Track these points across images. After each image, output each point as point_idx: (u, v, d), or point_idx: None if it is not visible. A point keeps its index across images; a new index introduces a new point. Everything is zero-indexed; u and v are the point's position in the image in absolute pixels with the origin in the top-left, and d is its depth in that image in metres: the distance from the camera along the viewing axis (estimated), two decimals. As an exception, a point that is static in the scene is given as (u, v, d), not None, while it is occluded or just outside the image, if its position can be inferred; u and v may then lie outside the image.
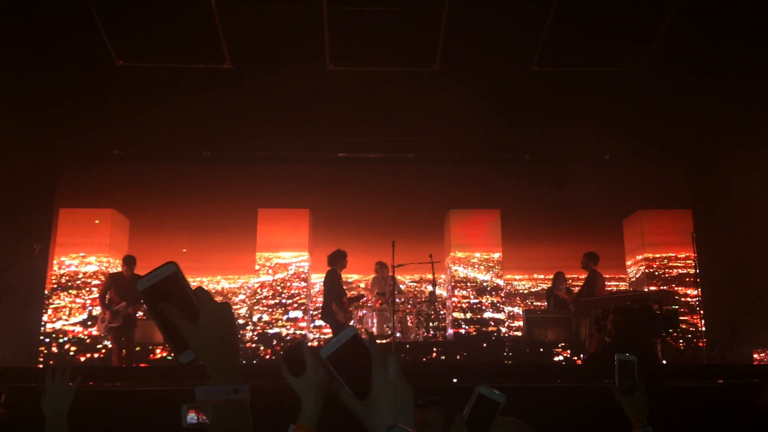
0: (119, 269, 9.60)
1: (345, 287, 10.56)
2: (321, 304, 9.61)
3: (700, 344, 10.35)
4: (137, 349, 9.68)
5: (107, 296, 9.03)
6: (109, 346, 9.68)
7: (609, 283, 12.26)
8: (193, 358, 1.19)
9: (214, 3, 8.60)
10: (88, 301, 11.01)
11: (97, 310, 10.66)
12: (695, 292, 10.85)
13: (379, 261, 10.26)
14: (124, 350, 9.02)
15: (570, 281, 10.84)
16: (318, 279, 11.74)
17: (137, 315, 9.27)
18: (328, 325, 9.66)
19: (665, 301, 8.49)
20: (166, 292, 1.19)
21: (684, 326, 11.30)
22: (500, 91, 9.99)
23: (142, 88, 9.79)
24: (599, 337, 7.43)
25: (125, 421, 4.54)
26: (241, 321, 11.60)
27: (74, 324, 10.90)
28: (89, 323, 10.86)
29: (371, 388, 1.11)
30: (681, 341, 11.19)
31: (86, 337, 10.82)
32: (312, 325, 11.78)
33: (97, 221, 11.31)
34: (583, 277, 10.46)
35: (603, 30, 9.02)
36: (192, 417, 2.39)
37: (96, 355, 10.65)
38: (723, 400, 5.48)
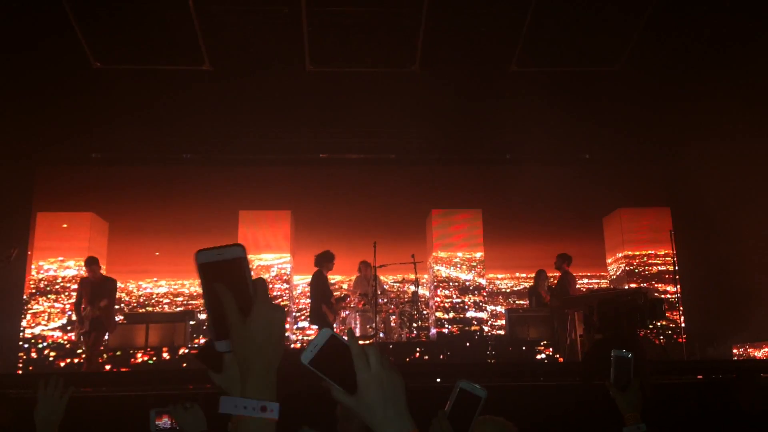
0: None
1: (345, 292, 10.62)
2: (304, 306, 9.57)
3: (680, 340, 10.45)
4: (118, 353, 9.60)
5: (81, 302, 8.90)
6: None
7: (590, 281, 12.38)
8: (229, 350, 1.12)
9: (192, 4, 8.55)
10: (67, 306, 10.88)
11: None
12: (675, 289, 10.95)
13: (363, 260, 10.22)
14: (88, 355, 8.85)
15: (552, 279, 10.90)
16: (300, 281, 11.71)
17: (115, 319, 9.18)
18: (316, 327, 9.59)
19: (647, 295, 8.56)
20: (225, 274, 1.11)
21: (663, 323, 11.41)
22: (480, 91, 10.05)
23: (120, 91, 9.68)
24: (590, 335, 7.49)
25: (104, 427, 4.50)
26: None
27: (53, 329, 10.77)
28: (68, 328, 10.74)
29: (357, 383, 1.11)
30: (661, 337, 11.30)
31: (66, 342, 10.69)
32: (295, 326, 11.74)
33: (64, 225, 11.14)
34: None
35: (580, 31, 9.11)
36: (165, 422, 2.38)
37: (76, 360, 10.52)
38: (703, 396, 5.55)
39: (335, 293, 10.24)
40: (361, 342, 1.17)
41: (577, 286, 10.59)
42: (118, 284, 9.65)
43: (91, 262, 9.03)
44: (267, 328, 1.11)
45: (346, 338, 1.16)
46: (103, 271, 11.44)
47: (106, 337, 9.36)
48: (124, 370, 9.42)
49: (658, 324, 8.89)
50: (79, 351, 10.10)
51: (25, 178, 11.25)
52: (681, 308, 10.80)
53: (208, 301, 1.12)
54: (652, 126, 11.08)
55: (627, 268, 11.68)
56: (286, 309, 11.33)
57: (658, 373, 6.27)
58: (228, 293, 1.10)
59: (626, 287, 11.00)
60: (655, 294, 11.19)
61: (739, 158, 9.60)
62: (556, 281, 10.42)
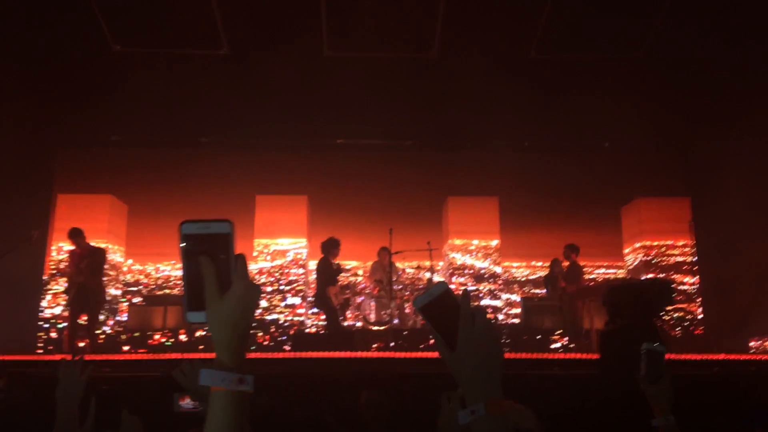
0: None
1: (344, 273, 10.57)
2: (297, 289, 9.62)
3: (697, 332, 10.39)
4: (136, 334, 9.73)
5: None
6: (136, 334, 9.67)
7: (607, 271, 12.29)
8: (201, 321, 1.12)
9: (211, -12, 8.55)
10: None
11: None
12: (693, 280, 10.86)
13: (383, 246, 10.11)
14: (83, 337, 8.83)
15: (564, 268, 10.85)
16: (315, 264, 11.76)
17: (104, 290, 9.21)
18: (322, 312, 9.65)
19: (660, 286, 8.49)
20: (209, 247, 1.13)
21: (681, 314, 11.33)
22: (498, 77, 9.94)
23: (140, 74, 9.74)
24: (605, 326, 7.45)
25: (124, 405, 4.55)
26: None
27: (73, 310, 10.90)
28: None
29: (458, 339, 1.16)
30: (678, 329, 11.23)
31: (85, 323, 10.83)
32: (310, 311, 11.80)
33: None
34: (582, 264, 10.46)
35: (602, 17, 8.98)
36: (187, 403, 2.41)
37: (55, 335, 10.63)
38: (721, 388, 5.52)
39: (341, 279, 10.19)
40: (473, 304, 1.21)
41: (587, 276, 10.53)
42: (138, 266, 9.73)
43: (75, 234, 8.86)
44: (244, 304, 1.12)
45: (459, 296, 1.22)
46: (120, 255, 11.59)
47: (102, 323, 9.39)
48: (141, 351, 9.54)
49: (670, 310, 8.82)
50: (61, 325, 10.17)
51: (45, 160, 11.36)
52: (699, 300, 10.71)
53: (187, 272, 1.13)
54: (673, 115, 10.93)
55: (644, 258, 11.59)
56: (302, 294, 11.39)
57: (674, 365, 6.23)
58: (210, 267, 1.11)
59: (643, 278, 10.92)
60: (672, 284, 11.10)
61: (762, 149, 9.45)
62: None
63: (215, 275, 1.11)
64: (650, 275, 11.19)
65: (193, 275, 1.12)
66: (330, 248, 9.32)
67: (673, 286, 8.22)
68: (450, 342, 1.16)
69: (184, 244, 1.14)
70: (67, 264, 8.88)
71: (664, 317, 7.98)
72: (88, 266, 8.73)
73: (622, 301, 5.77)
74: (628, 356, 2.72)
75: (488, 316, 1.20)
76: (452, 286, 11.20)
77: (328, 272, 9.23)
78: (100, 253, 9.15)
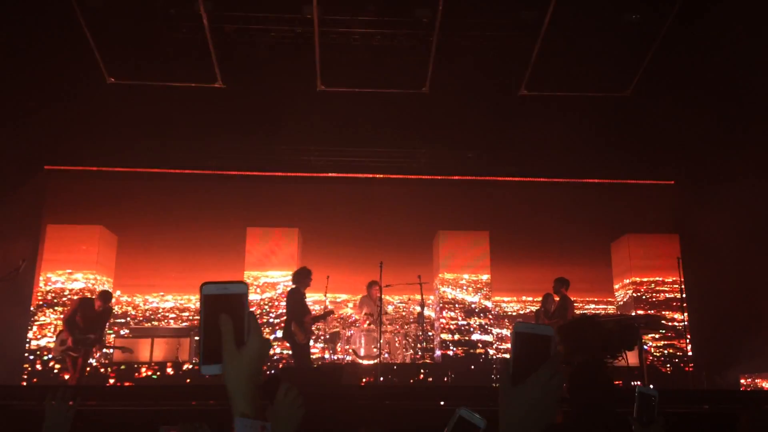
0: (90, 296, 9.43)
1: (332, 305, 10.51)
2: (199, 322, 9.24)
3: (687, 369, 10.37)
4: (122, 367, 9.62)
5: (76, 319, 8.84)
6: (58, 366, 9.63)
7: (597, 306, 12.31)
8: (216, 373, 1.22)
9: (207, 23, 8.67)
10: (54, 319, 10.89)
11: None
12: (682, 317, 10.87)
13: (372, 280, 10.12)
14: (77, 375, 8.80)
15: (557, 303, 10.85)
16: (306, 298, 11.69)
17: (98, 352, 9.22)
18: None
19: (650, 324, 8.51)
20: (226, 306, 1.22)
21: (671, 351, 11.33)
22: (489, 114, 10.09)
23: (132, 106, 9.82)
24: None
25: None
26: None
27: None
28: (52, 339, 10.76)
29: (527, 380, 1.19)
30: (668, 365, 11.21)
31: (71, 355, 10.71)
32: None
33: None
34: (572, 299, 10.47)
35: (590, 56, 9.16)
36: None
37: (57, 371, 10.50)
38: (711, 424, 5.49)
39: (317, 309, 10.12)
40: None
41: (576, 311, 10.52)
42: (126, 297, 9.68)
43: (107, 299, 8.98)
44: (258, 357, 1.24)
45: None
46: (109, 286, 11.52)
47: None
48: (127, 384, 9.43)
49: (628, 353, 8.77)
50: (58, 366, 10.11)
51: (35, 190, 11.35)
52: (688, 336, 10.72)
53: (205, 328, 1.23)
54: (661, 152, 11.08)
55: (634, 294, 11.62)
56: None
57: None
58: (230, 324, 1.21)
59: (633, 314, 10.94)
60: (662, 321, 11.11)
61: (749, 189, 9.57)
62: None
63: (233, 332, 1.21)
64: (641, 311, 11.21)
65: (210, 331, 1.22)
66: (301, 278, 8.95)
67: (637, 331, 8.24)
68: (516, 377, 1.20)
69: (204, 303, 1.23)
70: (77, 318, 8.81)
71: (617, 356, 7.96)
72: (103, 326, 8.95)
73: (581, 338, 5.75)
74: (582, 394, 2.74)
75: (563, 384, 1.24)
76: (442, 320, 11.20)
77: (297, 304, 8.79)
78: (110, 312, 9.29)
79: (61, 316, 10.86)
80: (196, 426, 2.26)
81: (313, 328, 9.22)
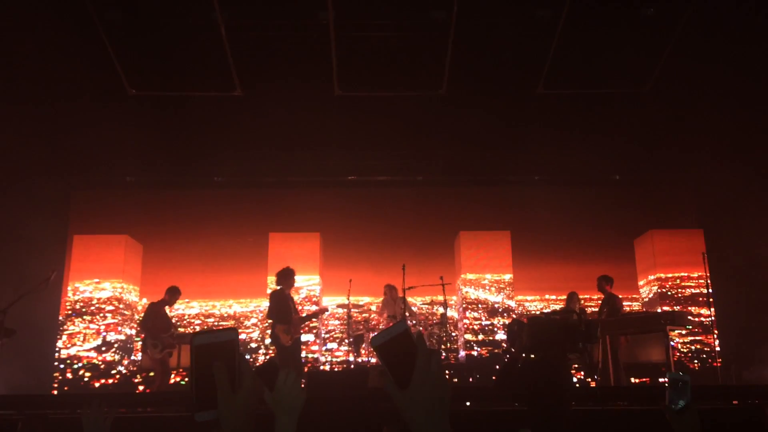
0: (136, 297, 9.75)
1: (354, 309, 10.51)
2: (333, 327, 9.39)
3: (715, 364, 10.25)
4: (151, 374, 9.78)
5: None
6: (151, 374, 10.04)
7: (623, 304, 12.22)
8: (210, 419, 1.26)
9: (224, 32, 8.77)
10: (102, 327, 11.09)
11: (111, 336, 10.80)
12: (709, 312, 10.75)
13: (388, 284, 10.25)
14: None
15: (583, 301, 10.79)
16: (329, 302, 11.77)
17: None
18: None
19: (676, 321, 8.43)
20: (217, 353, 1.27)
21: (698, 346, 11.21)
22: (507, 113, 10.08)
23: (154, 116, 9.97)
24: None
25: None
26: (253, 345, 11.64)
27: (88, 350, 10.98)
28: (103, 348, 10.94)
29: (412, 379, 1.18)
30: (696, 361, 11.10)
31: (101, 363, 10.89)
32: (324, 348, 11.78)
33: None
34: (596, 297, 10.42)
35: (608, 52, 9.10)
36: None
37: (110, 381, 10.70)
38: (739, 419, 5.44)
39: (308, 309, 10.07)
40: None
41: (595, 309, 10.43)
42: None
43: (172, 293, 9.55)
44: (252, 396, 1.30)
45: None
46: (135, 294, 11.71)
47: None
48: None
49: (589, 347, 8.68)
50: (89, 374, 10.42)
51: (61, 201, 11.55)
52: (716, 331, 10.60)
53: (197, 376, 1.26)
54: (683, 147, 10.97)
55: (659, 290, 11.51)
56: (315, 331, 11.39)
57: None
58: (223, 371, 1.25)
59: (658, 310, 10.84)
60: (688, 317, 10.99)
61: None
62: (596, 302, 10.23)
63: (227, 378, 1.26)
64: (666, 308, 11.11)
65: (203, 379, 1.26)
66: (284, 279, 8.75)
67: (598, 326, 8.17)
68: (401, 381, 1.19)
69: (195, 353, 1.27)
70: (162, 318, 9.48)
71: (579, 350, 7.93)
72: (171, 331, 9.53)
73: (542, 332, 5.74)
74: (542, 387, 2.73)
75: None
76: (466, 321, 11.20)
77: (279, 305, 8.54)
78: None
79: (90, 324, 11.09)
80: None
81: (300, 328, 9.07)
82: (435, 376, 1.19)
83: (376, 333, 1.25)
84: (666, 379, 2.31)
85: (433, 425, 1.18)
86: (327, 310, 10.18)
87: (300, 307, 10.48)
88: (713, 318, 10.24)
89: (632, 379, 10.36)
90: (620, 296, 9.97)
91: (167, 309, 9.59)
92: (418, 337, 1.22)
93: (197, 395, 1.26)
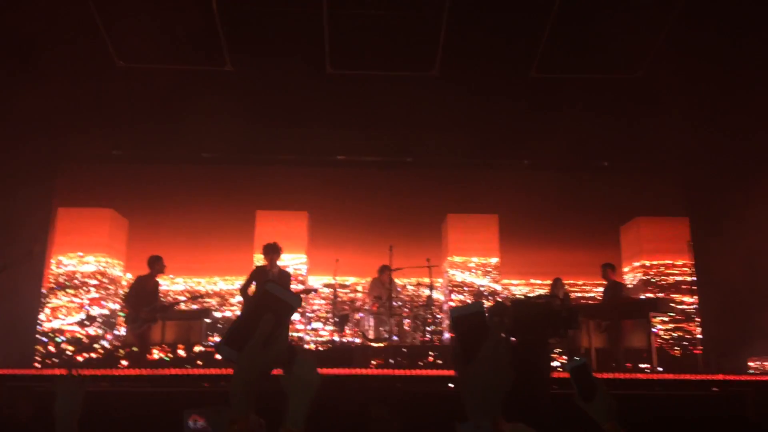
0: (118, 271, 9.61)
1: (341, 288, 10.47)
2: (318, 307, 9.40)
3: (696, 351, 10.38)
4: (134, 349, 9.73)
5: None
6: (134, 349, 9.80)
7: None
8: (231, 359, 1.28)
9: (215, 5, 8.64)
10: (86, 301, 11.02)
11: (95, 311, 10.72)
12: (692, 300, 10.87)
13: (384, 264, 10.10)
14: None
15: (567, 287, 10.85)
16: (315, 281, 11.75)
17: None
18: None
19: (659, 308, 8.50)
20: (275, 309, 1.30)
21: (680, 334, 11.33)
22: (499, 96, 10.03)
23: (142, 89, 9.81)
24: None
25: (130, 424, 4.55)
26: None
27: (71, 323, 10.92)
28: (86, 323, 10.88)
29: (476, 357, 1.24)
30: (677, 348, 11.22)
31: (84, 337, 10.83)
32: (309, 327, 11.79)
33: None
34: (581, 282, 10.48)
35: (602, 37, 9.07)
36: (197, 423, 2.41)
37: (93, 355, 10.65)
38: (719, 408, 5.51)
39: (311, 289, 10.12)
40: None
41: (587, 295, 10.49)
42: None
43: (153, 262, 9.16)
44: (275, 361, 1.31)
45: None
46: (120, 269, 11.62)
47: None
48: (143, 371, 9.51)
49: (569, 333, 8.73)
50: (71, 348, 10.28)
51: (46, 173, 11.39)
52: (698, 319, 10.72)
53: (246, 316, 1.30)
54: (672, 135, 10.99)
55: (644, 277, 11.60)
56: (300, 310, 11.38)
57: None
58: (269, 325, 1.28)
59: (642, 297, 10.93)
60: (670, 304, 11.09)
61: (762, 168, 9.50)
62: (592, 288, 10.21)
63: (268, 332, 1.29)
64: (650, 294, 11.20)
65: (249, 321, 1.29)
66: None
67: (579, 314, 8.21)
68: (469, 356, 1.24)
69: (261, 297, 1.32)
70: (150, 292, 9.13)
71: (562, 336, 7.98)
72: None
73: (526, 318, 5.74)
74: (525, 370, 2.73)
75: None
76: (451, 303, 11.23)
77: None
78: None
79: (73, 298, 11.02)
80: (220, 409, 2.28)
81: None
82: (498, 362, 1.24)
83: (455, 306, 1.30)
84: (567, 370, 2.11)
85: (489, 403, 1.23)
86: (315, 290, 10.18)
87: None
88: (696, 306, 10.36)
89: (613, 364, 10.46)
90: (582, 283, 9.95)
91: (157, 280, 9.40)
92: (492, 323, 1.28)
93: (233, 331, 1.29)
